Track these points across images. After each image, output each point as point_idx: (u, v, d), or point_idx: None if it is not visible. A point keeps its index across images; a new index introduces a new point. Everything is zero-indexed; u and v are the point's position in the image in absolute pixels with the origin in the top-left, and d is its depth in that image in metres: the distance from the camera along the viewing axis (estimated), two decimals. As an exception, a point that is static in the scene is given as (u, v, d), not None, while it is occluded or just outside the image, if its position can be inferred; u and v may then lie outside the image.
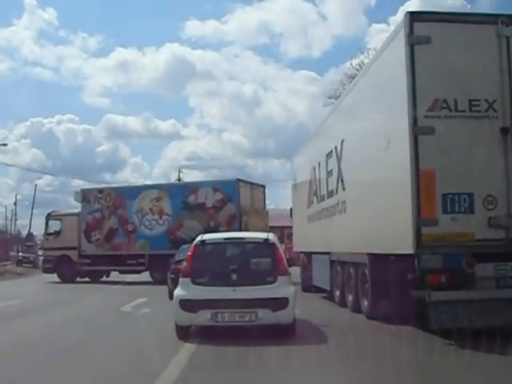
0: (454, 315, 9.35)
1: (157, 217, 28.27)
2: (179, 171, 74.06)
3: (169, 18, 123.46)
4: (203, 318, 10.09)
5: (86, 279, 28.57)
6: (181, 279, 10.81)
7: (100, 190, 30.69)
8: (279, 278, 10.35)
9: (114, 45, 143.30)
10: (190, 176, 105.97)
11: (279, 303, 10.10)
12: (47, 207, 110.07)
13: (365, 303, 13.34)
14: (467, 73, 9.81)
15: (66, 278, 28.91)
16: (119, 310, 15.74)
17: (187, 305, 10.26)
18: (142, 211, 28.62)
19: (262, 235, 11.45)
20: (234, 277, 10.30)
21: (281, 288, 10.30)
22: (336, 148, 15.26)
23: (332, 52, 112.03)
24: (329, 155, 16.15)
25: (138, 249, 28.58)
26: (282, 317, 10.10)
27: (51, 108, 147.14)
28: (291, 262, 18.93)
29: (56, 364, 8.50)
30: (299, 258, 22.31)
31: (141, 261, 28.27)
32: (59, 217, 30.96)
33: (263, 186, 31.19)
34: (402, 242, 10.18)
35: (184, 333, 10.48)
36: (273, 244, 10.88)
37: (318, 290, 18.49)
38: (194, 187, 28.87)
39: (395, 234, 10.73)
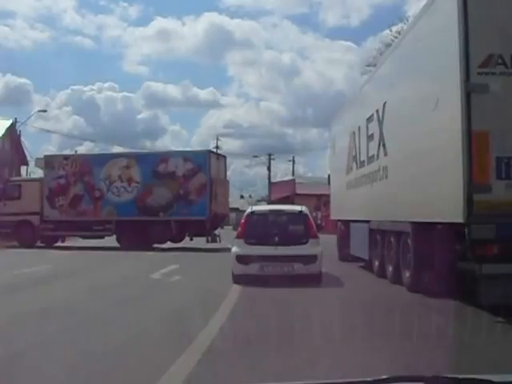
0: (507, 290, 8.90)
1: (125, 184, 28.87)
2: (217, 139, 78.99)
3: None
4: (253, 269, 13.52)
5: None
6: (236, 240, 14.39)
7: (66, 157, 31.23)
8: (310, 240, 13.96)
9: (153, 14, 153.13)
10: (228, 144, 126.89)
11: (310, 259, 13.54)
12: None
13: (406, 275, 12.66)
14: (525, 26, 9.45)
15: (25, 243, 29.06)
16: (148, 277, 15.12)
17: (241, 259, 13.74)
18: (110, 178, 29.12)
19: (297, 207, 15.46)
20: (276, 239, 13.86)
21: (311, 248, 13.82)
22: (377, 111, 14.69)
23: (370, 21, 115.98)
24: (370, 119, 15.62)
25: (104, 215, 29.11)
26: (312, 269, 13.55)
27: (92, 76, 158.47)
28: (322, 230, 19.97)
29: (85, 329, 8.42)
30: (336, 226, 22.15)
31: (107, 226, 28.98)
32: (18, 182, 31.30)
33: (225, 157, 32.66)
34: (451, 210, 9.65)
35: (238, 279, 13.60)
36: (305, 215, 14.62)
37: (356, 259, 18.26)
38: (164, 156, 29.73)
39: (443, 202, 10.16)
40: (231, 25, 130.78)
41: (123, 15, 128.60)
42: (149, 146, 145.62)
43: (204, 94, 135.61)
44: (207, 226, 28.33)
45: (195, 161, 28.63)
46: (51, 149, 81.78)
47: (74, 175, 29.75)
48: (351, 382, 2.08)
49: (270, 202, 62.39)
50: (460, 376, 1.99)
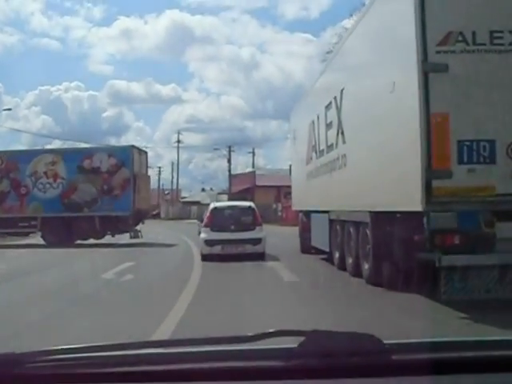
0: (469, 284, 8.59)
1: (51, 180, 28.53)
2: (178, 133, 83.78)
3: None
4: (216, 249, 18.03)
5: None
6: (203, 228, 19.08)
7: (-8, 154, 30.18)
8: (257, 227, 18.86)
9: (116, 14, 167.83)
10: (190, 138, 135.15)
11: (256, 241, 18.26)
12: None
13: (365, 267, 12.18)
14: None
15: None
16: (100, 278, 14.14)
17: (208, 242, 18.33)
18: (36, 174, 28.67)
19: (247, 203, 20.86)
20: (232, 227, 18.57)
21: (257, 233, 18.65)
22: (335, 98, 14.20)
23: (329, 12, 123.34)
24: (328, 107, 15.15)
25: (30, 211, 28.62)
26: (258, 248, 18.19)
27: (59, 76, 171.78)
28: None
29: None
30: (298, 218, 22.33)
31: (33, 223, 28.57)
32: None
33: (146, 153, 32.71)
34: (409, 198, 9.21)
35: (205, 258, 17.98)
36: (253, 209, 19.54)
37: (319, 251, 18.07)
38: (89, 153, 29.71)
39: (401, 189, 9.71)
40: (192, 21, 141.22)
41: (88, 16, 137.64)
42: (114, 142, 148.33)
43: (166, 90, 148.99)
44: (130, 222, 28.20)
45: (119, 156, 28.51)
46: (21, 147, 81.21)
47: (0, 172, 29.11)
48: (234, 337, 2.11)
49: (230, 195, 63.37)
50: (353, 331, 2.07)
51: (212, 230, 18.74)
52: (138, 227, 29.32)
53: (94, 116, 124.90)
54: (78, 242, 27.87)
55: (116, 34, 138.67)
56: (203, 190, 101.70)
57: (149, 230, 30.27)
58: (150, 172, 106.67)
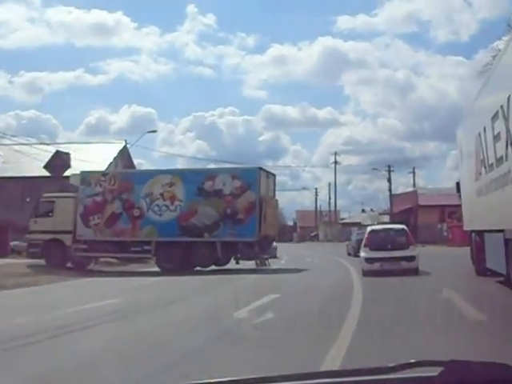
0: None
1: (168, 202, 26.85)
2: (335, 154, 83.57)
3: (320, 14, 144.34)
4: (375, 266, 19.87)
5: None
6: (363, 248, 20.97)
7: (104, 173, 29.54)
8: (410, 246, 20.54)
9: (270, 42, 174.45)
10: (348, 160, 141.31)
11: (411, 258, 19.85)
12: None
13: None
14: None
15: (55, 264, 27.25)
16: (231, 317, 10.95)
17: (368, 260, 20.27)
18: (152, 196, 27.11)
19: (400, 226, 22.79)
20: (389, 246, 20.34)
21: (411, 251, 20.26)
22: (502, 107, 12.95)
23: (479, 35, 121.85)
24: (494, 117, 13.92)
25: (144, 235, 26.99)
26: (412, 265, 19.73)
27: (213, 102, 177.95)
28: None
29: None
30: (468, 238, 21.18)
31: (146, 248, 27.04)
32: (51, 198, 29.24)
33: (274, 175, 30.22)
34: None
35: (366, 274, 19.79)
36: (405, 230, 21.46)
37: (494, 274, 16.19)
38: (210, 174, 27.79)
39: None
40: (345, 47, 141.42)
41: (241, 45, 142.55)
42: (271, 165, 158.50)
43: (322, 113, 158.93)
44: (256, 249, 26.29)
45: (244, 178, 26.70)
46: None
47: (112, 192, 27.82)
48: (376, 368, 2.14)
49: (392, 215, 64.03)
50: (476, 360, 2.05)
51: (371, 249, 20.73)
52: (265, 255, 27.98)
53: (250, 140, 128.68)
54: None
55: (269, 61, 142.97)
56: (363, 210, 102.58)
57: (300, 252, 29.37)
58: (307, 194, 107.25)
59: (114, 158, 50.05)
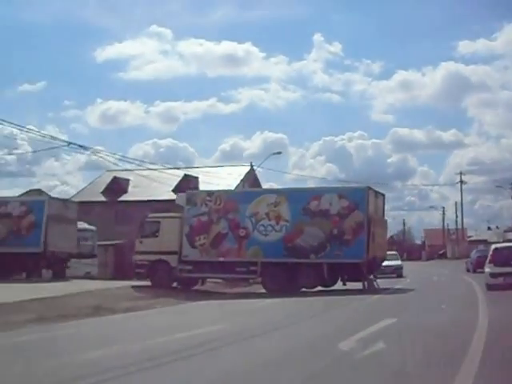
0: None
1: (273, 222, 26.35)
2: (460, 174, 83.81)
3: (441, 40, 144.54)
4: (499, 280, 21.80)
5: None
6: (487, 264, 23.12)
7: (210, 193, 29.09)
8: None
9: (394, 68, 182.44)
10: (473, 180, 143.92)
11: None
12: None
13: None
14: None
15: (160, 285, 27.14)
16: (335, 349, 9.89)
17: (492, 275, 22.38)
18: (257, 216, 26.68)
19: None
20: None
21: None
22: None
23: None
24: None
25: (249, 255, 26.66)
26: None
27: (342, 127, 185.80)
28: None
29: None
30: None
31: (252, 268, 26.62)
32: (157, 219, 29.32)
33: (383, 195, 29.29)
34: None
35: (489, 288, 22.14)
36: None
37: None
38: (316, 193, 27.12)
39: None
40: (467, 71, 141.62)
41: (367, 71, 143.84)
42: (399, 186, 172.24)
43: (447, 135, 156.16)
44: (364, 271, 25.37)
45: (351, 198, 25.98)
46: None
47: (218, 212, 27.51)
48: None
49: None
50: None
51: (495, 265, 22.64)
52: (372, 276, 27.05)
53: (378, 162, 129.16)
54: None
55: (395, 86, 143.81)
56: (489, 228, 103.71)
57: (427, 270, 28.72)
58: (435, 213, 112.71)
59: (241, 180, 51.28)
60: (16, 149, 61.82)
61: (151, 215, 30.32)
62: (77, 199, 45.29)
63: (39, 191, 50.96)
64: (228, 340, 11.77)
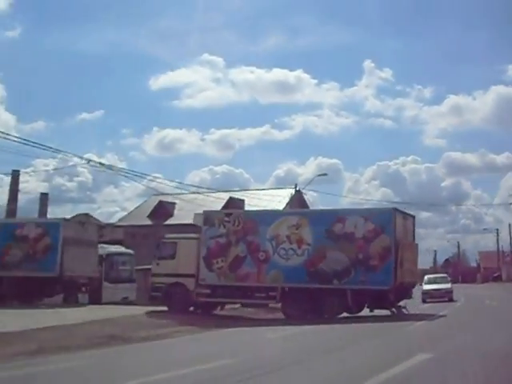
0: None
1: (295, 246, 25.14)
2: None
3: (490, 64, 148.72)
4: None
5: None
6: None
7: (228, 214, 27.97)
8: None
9: (445, 93, 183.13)
10: None
11: None
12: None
13: None
14: None
15: (177, 309, 26.29)
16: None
17: None
18: (278, 238, 25.44)
19: None
20: None
21: None
22: None
23: None
24: None
25: (269, 280, 25.38)
26: None
27: (395, 152, 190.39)
28: None
29: None
30: None
31: (271, 294, 25.40)
32: (174, 240, 28.28)
33: (413, 217, 27.78)
34: None
35: None
36: None
37: None
38: (340, 215, 25.74)
39: None
40: None
41: (418, 96, 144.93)
42: (454, 209, 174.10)
43: (500, 158, 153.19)
44: (391, 298, 24.01)
45: (377, 220, 24.62)
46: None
47: (236, 234, 26.25)
48: None
49: None
50: None
51: None
52: (402, 303, 25.65)
53: (432, 186, 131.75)
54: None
55: (446, 111, 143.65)
56: None
57: (480, 293, 27.56)
58: (490, 236, 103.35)
59: (287, 203, 50.36)
60: (77, 176, 62.96)
61: (168, 236, 29.23)
62: (124, 223, 44.34)
63: (86, 215, 50.30)
64: (236, 378, 10.29)
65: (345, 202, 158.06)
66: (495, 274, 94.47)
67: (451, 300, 37.20)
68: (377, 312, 24.94)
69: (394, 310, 24.85)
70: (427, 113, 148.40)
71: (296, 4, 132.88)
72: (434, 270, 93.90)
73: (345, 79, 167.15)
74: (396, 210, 26.14)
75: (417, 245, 28.15)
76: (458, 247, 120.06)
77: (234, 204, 48.01)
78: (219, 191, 52.24)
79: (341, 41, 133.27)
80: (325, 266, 24.69)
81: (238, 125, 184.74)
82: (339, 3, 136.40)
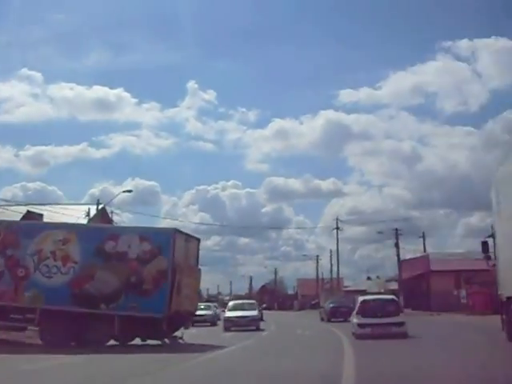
0: None
1: (59, 263, 22.35)
2: (337, 220, 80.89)
3: (321, 88, 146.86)
4: (367, 330, 23.17)
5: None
6: (355, 314, 24.48)
7: (-15, 224, 23.49)
8: (400, 313, 23.92)
9: (270, 116, 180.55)
10: (353, 230, 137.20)
11: (400, 324, 22.98)
12: (215, 265, 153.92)
13: None
14: None
15: None
16: None
17: (361, 326, 23.62)
18: (40, 254, 22.54)
19: (391, 296, 27.86)
20: (379, 313, 23.51)
21: (400, 318, 23.38)
22: None
23: (488, 106, 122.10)
24: None
25: (27, 300, 22.30)
26: (402, 330, 22.67)
27: (215, 176, 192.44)
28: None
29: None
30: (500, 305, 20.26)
31: (29, 316, 22.32)
32: None
33: (198, 240, 25.89)
34: None
35: (358, 337, 23.08)
36: (395, 300, 26.04)
37: None
38: (113, 232, 23.78)
39: None
40: (348, 119, 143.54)
41: (242, 119, 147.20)
42: (274, 236, 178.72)
43: (326, 184, 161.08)
44: (164, 327, 21.81)
45: (155, 241, 22.40)
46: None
47: None
48: None
49: (400, 282, 64.97)
50: None
51: (363, 316, 23.69)
52: (179, 333, 23.57)
53: (253, 212, 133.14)
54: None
55: (271, 135, 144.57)
56: (369, 278, 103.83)
57: (294, 321, 27.13)
58: (311, 263, 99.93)
59: (89, 220, 48.39)
60: None
61: None
62: None
63: None
64: None
65: (162, 225, 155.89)
66: (313, 302, 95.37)
67: (258, 329, 34.34)
68: (151, 342, 22.85)
69: (166, 340, 22.75)
70: (250, 136, 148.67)
71: (121, 20, 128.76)
72: (248, 296, 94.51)
73: (167, 99, 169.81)
74: (177, 230, 23.93)
75: (199, 270, 25.94)
76: (275, 273, 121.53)
77: (31, 218, 44.46)
78: (18, 204, 49.52)
79: (166, 60, 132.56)
80: (92, 287, 22.07)
81: (54, 142, 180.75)
82: (166, 22, 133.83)
